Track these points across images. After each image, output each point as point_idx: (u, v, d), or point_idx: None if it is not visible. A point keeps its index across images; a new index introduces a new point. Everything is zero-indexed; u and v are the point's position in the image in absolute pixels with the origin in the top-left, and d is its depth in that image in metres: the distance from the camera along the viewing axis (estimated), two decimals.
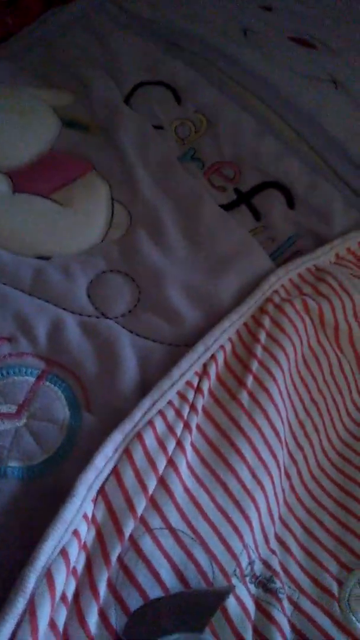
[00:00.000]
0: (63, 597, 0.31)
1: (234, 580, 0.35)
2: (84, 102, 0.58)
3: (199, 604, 0.32)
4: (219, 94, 0.62)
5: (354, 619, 0.37)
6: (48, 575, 0.31)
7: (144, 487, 0.36)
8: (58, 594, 0.31)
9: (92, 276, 0.47)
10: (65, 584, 0.31)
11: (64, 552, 0.32)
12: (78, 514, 0.33)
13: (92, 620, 0.32)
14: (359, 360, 0.51)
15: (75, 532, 0.33)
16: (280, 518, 0.41)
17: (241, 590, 0.35)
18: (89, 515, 0.34)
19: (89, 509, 0.34)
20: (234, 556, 0.36)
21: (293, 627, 0.36)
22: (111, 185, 0.53)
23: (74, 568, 0.33)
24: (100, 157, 0.54)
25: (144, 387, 0.42)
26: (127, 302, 0.47)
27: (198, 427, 0.41)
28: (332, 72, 0.68)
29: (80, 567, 0.33)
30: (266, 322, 0.47)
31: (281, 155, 0.59)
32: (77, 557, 0.33)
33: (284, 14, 0.77)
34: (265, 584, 0.37)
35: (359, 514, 0.43)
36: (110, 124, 0.56)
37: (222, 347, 0.45)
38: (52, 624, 0.30)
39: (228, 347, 0.45)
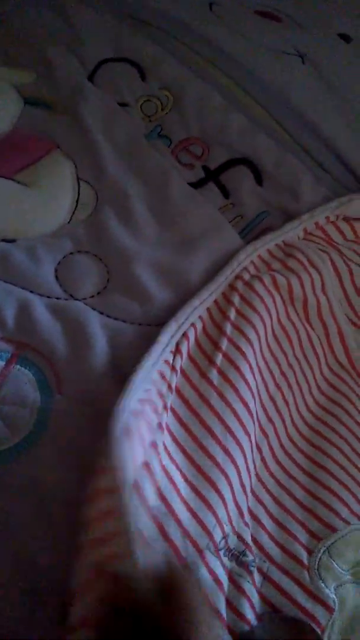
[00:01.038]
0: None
1: (207, 554, 0.35)
2: (47, 80, 0.56)
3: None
4: (184, 70, 0.60)
5: (323, 585, 0.38)
6: None
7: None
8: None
9: (60, 258, 0.46)
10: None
11: None
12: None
13: None
14: (328, 335, 0.51)
15: None
16: (252, 491, 0.41)
17: (214, 564, 0.35)
18: None
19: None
20: (207, 531, 0.36)
21: (263, 597, 0.36)
22: (76, 164, 0.51)
23: None
24: (64, 135, 0.52)
25: (115, 367, 0.41)
26: (95, 283, 0.46)
27: (172, 408, 0.40)
28: (299, 46, 0.66)
29: None
30: (235, 299, 0.46)
31: (249, 131, 0.58)
32: None
33: None
34: (238, 557, 0.37)
35: (328, 484, 0.43)
36: (74, 102, 0.54)
37: (193, 325, 0.44)
38: None
39: (199, 325, 0.45)
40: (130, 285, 0.46)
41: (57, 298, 0.44)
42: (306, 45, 0.66)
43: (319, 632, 0.36)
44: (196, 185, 0.56)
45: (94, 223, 0.49)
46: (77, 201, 0.49)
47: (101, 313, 0.44)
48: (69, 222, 0.48)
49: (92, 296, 0.45)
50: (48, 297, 0.44)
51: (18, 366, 0.40)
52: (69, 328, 0.42)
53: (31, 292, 0.43)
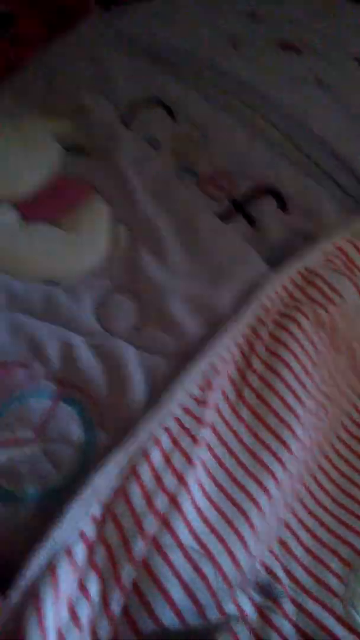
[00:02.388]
0: (77, 623, 0.28)
1: (237, 591, 0.31)
2: (83, 127, 0.52)
3: (209, 633, 0.28)
4: (210, 106, 0.55)
5: (355, 615, 0.33)
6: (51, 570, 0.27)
7: (152, 506, 0.31)
8: (63, 591, 0.27)
9: (98, 297, 0.42)
10: (80, 611, 0.28)
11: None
12: (71, 531, 0.30)
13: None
14: (354, 361, 0.45)
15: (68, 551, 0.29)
16: (283, 520, 0.36)
17: (242, 600, 0.31)
18: (87, 536, 0.30)
19: (86, 527, 0.30)
20: (239, 568, 0.32)
21: (298, 629, 0.32)
22: (112, 206, 0.47)
23: (87, 591, 0.29)
24: (100, 179, 0.48)
25: (152, 400, 0.37)
26: (131, 319, 0.42)
27: (205, 440, 0.36)
28: (317, 73, 0.60)
29: (94, 592, 0.29)
30: (263, 333, 0.42)
31: (272, 161, 0.53)
32: (89, 581, 0.29)
33: (268, 19, 0.68)
34: (266, 590, 0.33)
35: (357, 512, 0.38)
36: (109, 146, 0.50)
37: (222, 357, 0.40)
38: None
39: (229, 358, 0.40)
40: (163, 319, 0.42)
41: (97, 336, 0.41)
42: (324, 71, 0.60)
43: None
44: (223, 217, 0.51)
45: (129, 260, 0.45)
46: (113, 241, 0.46)
47: (137, 348, 0.40)
48: (107, 262, 0.45)
49: (129, 332, 0.41)
50: (89, 335, 0.40)
51: (62, 404, 0.37)
52: (107, 364, 0.39)
53: (73, 331, 0.40)
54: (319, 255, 0.48)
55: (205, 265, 0.46)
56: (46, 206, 0.44)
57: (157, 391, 0.38)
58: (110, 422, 0.36)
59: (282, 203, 0.52)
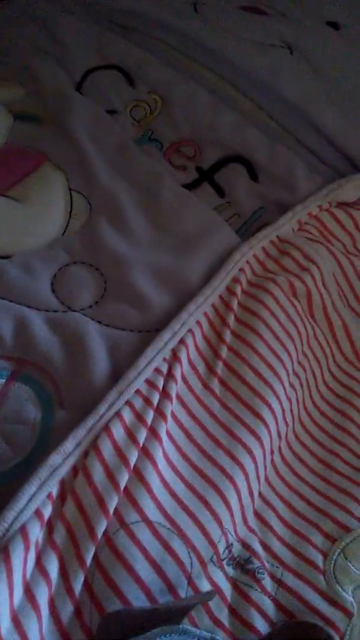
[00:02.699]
0: (34, 604, 0.29)
1: (210, 567, 0.33)
2: (35, 94, 0.54)
3: (177, 612, 0.30)
4: (171, 72, 0.58)
5: (340, 589, 0.35)
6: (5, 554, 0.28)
7: (114, 482, 0.33)
8: (17, 572, 0.29)
9: (55, 270, 0.44)
10: (37, 591, 0.29)
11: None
12: (25, 510, 0.31)
13: (66, 618, 0.29)
14: (333, 329, 0.48)
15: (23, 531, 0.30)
16: (261, 495, 0.38)
17: (217, 575, 0.33)
18: (45, 515, 0.31)
19: (43, 507, 0.31)
20: (212, 543, 0.34)
21: (278, 605, 0.34)
22: (67, 175, 0.49)
23: (46, 572, 0.30)
24: (54, 147, 0.50)
25: (116, 376, 0.39)
26: (92, 293, 0.44)
27: (173, 415, 0.38)
28: (286, 37, 0.63)
29: (54, 572, 0.30)
30: (234, 303, 0.44)
31: (239, 127, 0.55)
32: (48, 561, 0.30)
33: None
34: (242, 565, 0.35)
35: (339, 484, 0.40)
36: (63, 113, 0.52)
37: (190, 330, 0.41)
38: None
39: (197, 330, 0.42)
40: (128, 293, 0.44)
41: (55, 311, 0.42)
42: (294, 36, 0.63)
43: (338, 637, 0.34)
44: (190, 186, 0.53)
45: (88, 233, 0.47)
46: (70, 212, 0.47)
47: (100, 323, 0.42)
48: (63, 234, 0.47)
49: (90, 306, 0.43)
50: (45, 310, 0.42)
51: (18, 383, 0.38)
52: (67, 340, 0.40)
53: (28, 307, 0.42)
54: (293, 225, 0.51)
55: (171, 235, 0.48)
56: None
57: (121, 367, 0.40)
58: (70, 399, 0.38)
59: (252, 171, 0.55)
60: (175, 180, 0.52)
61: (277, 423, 0.40)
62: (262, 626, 0.33)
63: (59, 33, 0.58)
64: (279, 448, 0.41)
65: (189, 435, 0.38)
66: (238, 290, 0.45)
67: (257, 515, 0.38)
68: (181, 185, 0.52)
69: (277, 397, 0.41)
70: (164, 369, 0.39)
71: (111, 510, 0.32)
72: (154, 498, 0.34)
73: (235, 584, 0.34)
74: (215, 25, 0.62)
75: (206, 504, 0.35)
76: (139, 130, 0.55)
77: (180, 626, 0.30)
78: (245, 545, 0.36)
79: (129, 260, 0.45)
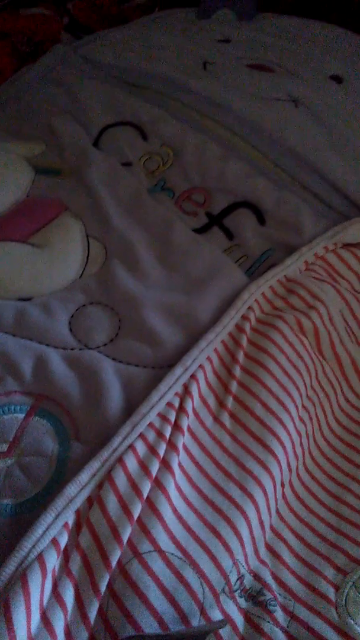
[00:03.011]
0: (51, 632, 0.30)
1: (222, 597, 0.34)
2: (55, 149, 0.58)
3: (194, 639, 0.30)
4: (182, 126, 0.62)
5: (352, 622, 0.35)
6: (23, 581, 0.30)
7: (128, 513, 0.34)
8: (34, 599, 0.30)
9: (73, 310, 0.47)
10: (53, 618, 0.30)
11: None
12: (42, 539, 0.32)
13: None
14: (341, 365, 0.49)
15: (40, 559, 0.31)
16: (272, 527, 0.39)
17: (229, 606, 0.34)
18: (61, 545, 0.32)
19: (59, 536, 0.33)
20: (224, 573, 0.34)
21: (291, 637, 0.34)
22: (84, 222, 0.52)
23: (62, 599, 0.31)
24: (72, 197, 0.54)
25: (130, 411, 0.41)
26: (108, 331, 0.46)
27: (185, 447, 0.40)
28: (292, 92, 0.68)
29: (69, 599, 0.31)
30: (243, 340, 0.46)
31: (247, 176, 0.59)
32: (65, 588, 0.31)
33: (242, 44, 0.77)
34: (254, 597, 0.35)
35: (351, 518, 0.41)
36: (80, 166, 0.56)
37: (201, 366, 0.43)
38: None
39: (208, 366, 0.44)
40: (141, 330, 0.46)
41: (72, 349, 0.44)
42: (298, 90, 0.68)
43: None
44: (200, 230, 0.56)
45: (104, 275, 0.50)
46: (87, 257, 0.51)
47: (114, 359, 0.44)
48: (80, 277, 0.50)
49: (105, 344, 0.45)
50: (63, 348, 0.44)
51: (37, 417, 0.40)
52: (83, 376, 0.43)
53: (47, 345, 0.44)
54: (300, 265, 0.53)
55: (182, 276, 0.50)
56: (18, 225, 0.50)
57: (135, 402, 0.42)
58: (86, 433, 0.40)
59: (260, 216, 0.58)
60: (186, 225, 0.55)
61: (287, 456, 0.41)
62: None
63: (77, 94, 0.64)
64: (290, 481, 0.42)
65: (200, 467, 0.39)
66: (247, 328, 0.47)
67: (269, 547, 0.38)
68: (192, 230, 0.56)
69: (287, 431, 0.42)
70: (176, 403, 0.41)
71: (125, 540, 0.33)
72: (167, 528, 0.35)
73: (247, 616, 0.35)
74: (223, 82, 0.67)
75: (217, 534, 0.36)
76: (152, 180, 0.59)
77: None
78: (257, 577, 0.36)
79: (142, 299, 0.48)
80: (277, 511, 0.40)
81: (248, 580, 0.36)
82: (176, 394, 0.42)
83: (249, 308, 0.49)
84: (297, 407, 0.44)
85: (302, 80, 0.70)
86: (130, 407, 0.41)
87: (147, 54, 0.70)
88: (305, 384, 0.45)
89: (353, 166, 0.62)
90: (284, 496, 0.41)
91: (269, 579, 0.36)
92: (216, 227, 0.57)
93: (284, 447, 0.41)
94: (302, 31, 0.81)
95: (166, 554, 0.34)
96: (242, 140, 0.62)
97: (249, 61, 0.73)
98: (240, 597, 0.35)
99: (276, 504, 0.40)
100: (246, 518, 0.37)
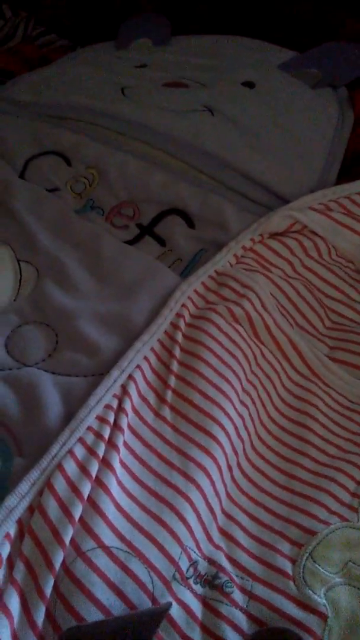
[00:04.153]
0: None
1: (174, 585, 0.34)
2: None
3: (140, 625, 0.30)
4: (103, 148, 0.64)
5: (310, 592, 0.35)
6: None
7: (68, 514, 0.34)
8: None
9: (8, 332, 0.48)
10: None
11: None
12: None
13: None
14: (281, 348, 0.50)
15: None
16: (224, 511, 0.39)
17: (184, 594, 0.34)
18: (3, 555, 0.32)
19: (1, 547, 0.33)
20: (172, 561, 0.35)
21: (250, 616, 0.34)
22: (14, 248, 0.53)
23: (7, 608, 0.31)
24: None
25: (70, 420, 0.41)
26: (45, 347, 0.47)
27: (127, 445, 0.40)
28: (206, 102, 0.71)
29: (15, 607, 0.31)
30: (179, 336, 0.47)
31: (170, 184, 0.61)
32: (10, 597, 0.31)
33: (158, 66, 0.81)
34: (210, 582, 0.35)
35: (302, 492, 0.41)
36: (5, 197, 0.58)
37: (138, 367, 0.44)
38: None
39: (145, 366, 0.45)
40: (78, 342, 0.47)
41: (10, 369, 0.45)
42: (213, 99, 0.71)
43: None
44: (133, 242, 0.58)
45: (37, 295, 0.51)
46: (20, 280, 0.52)
47: (54, 373, 0.45)
48: (14, 300, 0.51)
49: (44, 360, 0.46)
50: (1, 370, 0.45)
51: None
52: (23, 393, 0.43)
53: None
54: (230, 259, 0.55)
55: (114, 285, 0.52)
56: None
57: (75, 410, 0.42)
58: (28, 448, 0.40)
59: (189, 220, 0.60)
60: (117, 238, 0.57)
61: (230, 439, 0.42)
62: (234, 638, 0.33)
63: (1, 133, 0.66)
64: (239, 464, 0.42)
65: (142, 462, 0.39)
66: (182, 324, 0.48)
67: (222, 531, 0.38)
68: (125, 242, 0.57)
69: (228, 415, 0.42)
70: (115, 404, 0.42)
71: (67, 541, 0.34)
72: (110, 524, 0.35)
73: (204, 601, 0.35)
74: (140, 103, 0.70)
75: (163, 523, 0.36)
76: (80, 202, 0.61)
77: None
78: (212, 562, 0.36)
79: (76, 312, 0.49)
80: (228, 495, 0.40)
81: (203, 566, 0.36)
82: (115, 395, 0.42)
83: (183, 306, 0.50)
84: (237, 392, 0.45)
85: (216, 90, 0.73)
86: (70, 416, 0.42)
87: (66, 88, 0.73)
88: (243, 369, 0.46)
89: (271, 161, 0.64)
90: (233, 480, 0.41)
91: (224, 562, 0.37)
92: (148, 236, 0.59)
93: (226, 432, 0.42)
94: (213, 46, 0.86)
95: (111, 549, 0.34)
96: (163, 152, 0.64)
97: (165, 80, 0.76)
98: (196, 583, 0.35)
99: (226, 488, 0.40)
100: (192, 504, 0.37)
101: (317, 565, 0.36)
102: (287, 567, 0.37)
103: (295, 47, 0.86)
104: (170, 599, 0.33)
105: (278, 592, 0.35)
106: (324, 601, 0.35)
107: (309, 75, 0.79)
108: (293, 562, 0.37)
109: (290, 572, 0.36)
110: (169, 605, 0.32)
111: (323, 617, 0.34)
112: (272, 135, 0.67)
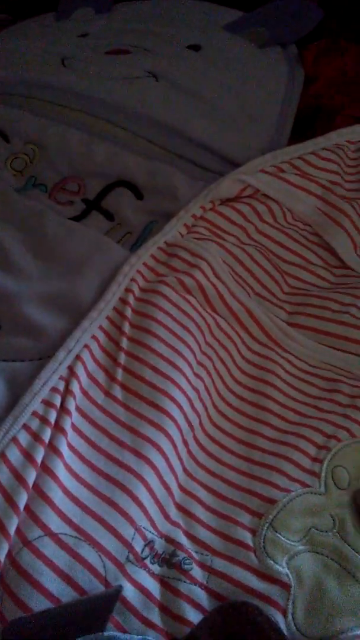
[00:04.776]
0: None
1: (129, 567, 0.33)
2: None
3: (89, 611, 0.29)
4: (42, 121, 0.61)
5: (271, 562, 0.35)
6: None
7: (12, 504, 0.33)
8: None
9: None
10: None
11: None
12: None
13: None
14: (237, 316, 0.49)
15: None
16: (181, 487, 0.38)
17: (139, 575, 0.33)
18: None
19: None
20: (125, 542, 0.33)
21: (211, 592, 0.33)
22: None
23: None
24: None
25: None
26: None
27: (75, 428, 0.39)
28: (150, 68, 0.68)
29: None
30: (128, 312, 0.45)
31: (115, 155, 0.59)
32: None
33: (99, 34, 0.77)
34: (168, 560, 0.34)
35: (262, 461, 0.40)
36: None
37: (86, 346, 0.42)
38: None
39: (94, 344, 0.43)
40: (22, 326, 0.45)
41: None
42: (157, 64, 0.68)
43: (278, 612, 0.33)
44: (79, 218, 0.56)
45: None
46: None
47: None
48: None
49: None
50: None
51: None
52: None
53: None
54: (180, 229, 0.53)
55: (59, 264, 0.50)
56: None
57: (20, 396, 0.40)
58: None
59: (137, 191, 0.57)
60: (61, 215, 0.54)
61: (184, 414, 0.41)
62: (194, 616, 0.32)
63: None
64: (195, 438, 0.41)
65: (92, 444, 0.38)
66: (131, 299, 0.46)
67: (180, 507, 0.37)
68: (71, 218, 0.55)
69: (181, 389, 0.41)
70: (62, 387, 0.40)
71: (11, 532, 0.32)
72: (57, 511, 0.34)
73: (162, 581, 0.34)
74: (81, 72, 0.67)
75: (114, 504, 0.35)
76: (21, 180, 0.58)
77: (105, 633, 0.29)
78: (169, 540, 0.35)
79: (18, 295, 0.47)
80: (185, 470, 0.39)
81: (160, 544, 0.35)
82: (61, 378, 0.41)
83: (132, 280, 0.48)
84: (190, 364, 0.43)
85: (159, 55, 0.70)
86: (16, 403, 0.40)
87: (3, 61, 0.70)
88: (197, 340, 0.45)
89: (221, 125, 0.62)
90: (190, 454, 0.40)
91: (182, 539, 0.35)
92: (95, 211, 0.57)
93: (179, 406, 0.40)
94: (157, 11, 0.82)
95: (59, 535, 0.33)
96: (106, 122, 0.62)
97: (107, 48, 0.73)
98: (153, 563, 0.34)
99: (182, 464, 0.39)
100: (145, 483, 0.36)
101: (278, 534, 0.36)
102: (247, 538, 0.36)
103: (242, 7, 0.83)
104: (125, 581, 0.32)
105: (238, 565, 0.34)
106: (287, 570, 0.34)
107: (256, 34, 0.76)
108: (253, 533, 0.36)
109: (251, 544, 0.35)
110: (120, 587, 0.31)
111: (286, 587, 0.34)
112: (220, 99, 0.65)
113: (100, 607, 0.29)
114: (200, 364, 0.44)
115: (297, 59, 0.75)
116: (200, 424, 0.42)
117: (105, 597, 0.30)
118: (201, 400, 0.43)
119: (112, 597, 0.30)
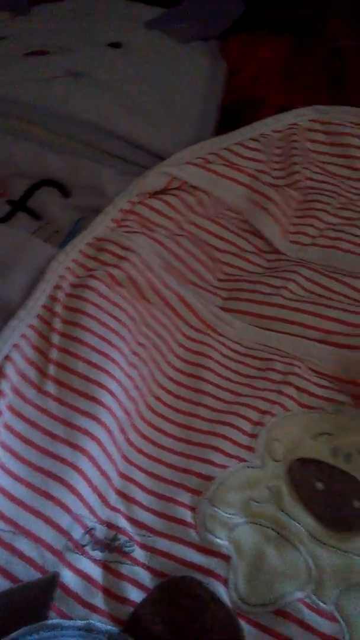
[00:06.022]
0: None
1: (68, 555, 0.34)
2: None
3: (28, 600, 0.30)
4: None
5: (212, 537, 0.36)
6: None
7: None
8: None
9: None
10: None
11: None
12: None
13: None
14: (170, 305, 0.51)
15: None
16: (120, 474, 0.40)
17: (80, 562, 0.34)
18: None
19: None
20: (62, 531, 0.35)
21: (153, 571, 0.35)
22: None
23: None
24: None
25: None
26: None
27: (7, 426, 0.39)
28: (70, 67, 0.70)
29: None
30: (58, 308, 0.47)
31: (37, 155, 0.60)
32: None
33: (18, 37, 0.78)
34: (109, 545, 0.35)
35: (199, 440, 0.42)
36: None
37: (16, 345, 0.43)
38: None
39: (24, 343, 0.44)
40: None
41: None
42: (77, 63, 0.70)
43: (219, 583, 0.34)
44: (5, 219, 0.57)
45: None
46: None
47: None
48: None
49: None
50: None
51: None
52: None
53: None
54: (108, 224, 0.55)
55: None
56: None
57: None
58: None
59: (63, 189, 0.59)
60: None
61: (119, 402, 0.42)
62: (138, 596, 0.34)
63: None
64: (133, 425, 0.43)
65: (26, 440, 0.39)
66: (60, 296, 0.48)
67: (120, 493, 0.39)
68: None
69: (115, 378, 0.43)
70: None
71: None
72: None
73: (105, 565, 0.35)
74: (1, 76, 0.68)
75: (48, 496, 0.36)
76: None
77: (48, 622, 0.30)
78: (110, 525, 0.37)
79: None
80: (124, 457, 0.41)
81: (101, 531, 0.36)
82: None
83: (61, 277, 0.49)
84: (124, 354, 0.45)
85: (79, 54, 0.72)
86: None
87: None
88: (130, 330, 0.47)
89: (145, 121, 0.65)
90: (129, 441, 0.42)
91: (123, 523, 0.37)
92: (21, 212, 0.58)
93: (113, 395, 0.42)
94: (76, 10, 0.84)
95: None
96: (28, 123, 0.63)
97: (26, 50, 0.74)
98: (94, 549, 0.35)
99: (121, 451, 0.41)
100: (80, 472, 0.37)
101: (216, 509, 0.37)
102: (187, 516, 0.37)
103: (164, 4, 0.86)
104: (64, 569, 0.33)
105: (179, 542, 0.36)
106: (226, 542, 0.36)
107: (177, 31, 0.80)
108: (193, 510, 0.38)
109: (191, 521, 0.37)
110: (56, 573, 0.32)
111: (226, 558, 0.35)
112: (142, 94, 0.68)
113: (39, 595, 0.30)
114: (134, 353, 0.46)
115: (219, 53, 0.78)
116: (138, 411, 0.43)
117: (41, 583, 0.31)
118: (137, 388, 0.44)
119: (49, 583, 0.31)
